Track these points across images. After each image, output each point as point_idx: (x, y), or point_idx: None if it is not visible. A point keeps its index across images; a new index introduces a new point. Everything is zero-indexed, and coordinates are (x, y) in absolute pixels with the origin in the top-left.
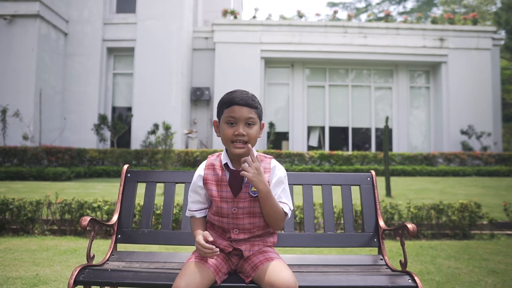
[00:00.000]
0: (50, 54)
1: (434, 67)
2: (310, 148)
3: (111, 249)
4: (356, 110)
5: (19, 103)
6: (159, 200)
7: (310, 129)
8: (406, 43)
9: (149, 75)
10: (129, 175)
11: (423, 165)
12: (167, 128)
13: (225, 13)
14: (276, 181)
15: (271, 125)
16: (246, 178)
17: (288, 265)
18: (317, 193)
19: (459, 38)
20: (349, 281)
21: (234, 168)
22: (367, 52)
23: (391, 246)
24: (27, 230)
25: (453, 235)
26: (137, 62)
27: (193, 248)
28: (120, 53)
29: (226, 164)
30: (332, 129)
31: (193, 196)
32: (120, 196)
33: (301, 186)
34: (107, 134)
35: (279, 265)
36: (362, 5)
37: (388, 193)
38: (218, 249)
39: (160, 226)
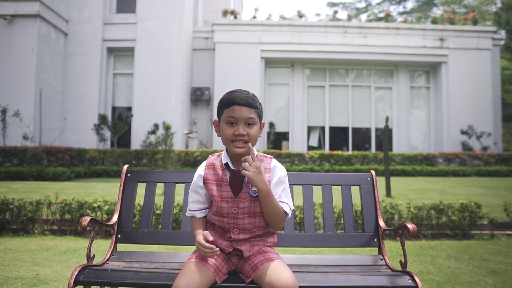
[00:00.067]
0: (50, 54)
1: (434, 67)
2: (310, 148)
3: (111, 249)
4: (356, 110)
5: (19, 103)
6: (159, 200)
7: (310, 129)
8: (406, 43)
9: (149, 75)
10: (129, 175)
11: (423, 165)
12: (167, 128)
13: (225, 13)
14: (277, 180)
15: (271, 125)
16: (247, 178)
17: (288, 265)
18: (317, 193)
19: (459, 38)
20: (349, 281)
21: (234, 168)
22: (367, 52)
23: (391, 246)
24: (27, 230)
25: (453, 235)
26: (137, 62)
27: (193, 248)
28: (120, 53)
29: (226, 164)
30: (332, 129)
31: (193, 196)
32: (120, 196)
33: (301, 186)
34: (107, 134)
35: (279, 265)
36: (362, 5)
37: (388, 193)
38: (218, 249)
39: (160, 226)
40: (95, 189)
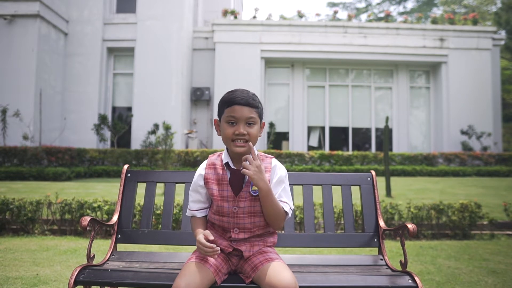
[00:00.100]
0: (50, 54)
1: (434, 67)
2: (310, 148)
3: (111, 249)
4: (356, 110)
5: (19, 103)
6: (159, 200)
7: (310, 129)
8: (406, 43)
9: (149, 75)
10: (129, 175)
11: (423, 165)
12: (167, 128)
13: (225, 13)
14: (277, 180)
15: (271, 125)
16: (247, 177)
17: (288, 265)
18: (317, 193)
19: (459, 38)
20: (349, 281)
21: (235, 167)
22: (367, 52)
23: (391, 246)
24: (27, 230)
25: (453, 235)
26: (137, 62)
27: (193, 248)
28: (120, 53)
29: (227, 163)
30: (332, 129)
31: (193, 196)
32: (120, 196)
33: (301, 186)
34: (107, 134)
35: (279, 265)
36: (362, 5)
37: (388, 193)
38: (219, 248)
39: (160, 226)
40: (95, 189)
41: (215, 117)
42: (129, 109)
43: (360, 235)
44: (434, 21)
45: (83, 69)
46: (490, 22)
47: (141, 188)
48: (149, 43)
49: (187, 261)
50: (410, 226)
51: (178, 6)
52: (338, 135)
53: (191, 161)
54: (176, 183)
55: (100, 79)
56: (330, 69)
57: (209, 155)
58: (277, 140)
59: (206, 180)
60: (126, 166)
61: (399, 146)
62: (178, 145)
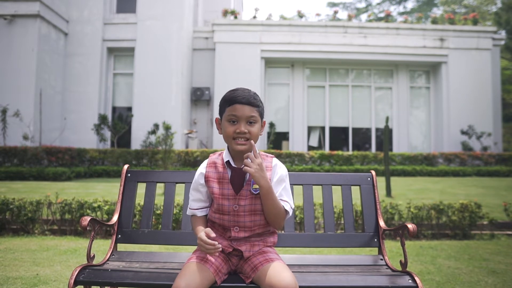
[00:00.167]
0: (50, 54)
1: (434, 67)
2: (310, 148)
3: (111, 249)
4: (356, 110)
5: (19, 103)
6: (159, 200)
7: (310, 129)
8: (406, 43)
9: (149, 75)
10: (129, 175)
11: (423, 165)
12: (167, 128)
13: (225, 13)
14: (278, 179)
15: (271, 125)
16: (248, 176)
17: (288, 265)
18: (317, 193)
19: (459, 38)
20: (349, 281)
21: (235, 166)
22: (367, 52)
23: (391, 246)
24: (27, 230)
25: (453, 235)
26: (137, 62)
27: (193, 248)
28: (120, 53)
29: (228, 161)
30: (332, 129)
31: (194, 194)
32: (120, 196)
33: (301, 186)
34: (107, 134)
35: (279, 266)
36: (362, 5)
37: (388, 193)
38: (220, 246)
39: (160, 226)
40: (95, 189)
41: (215, 117)
42: (129, 109)
43: (360, 235)
44: (434, 21)
45: (83, 69)
46: (490, 22)
47: (141, 188)
48: (149, 43)
49: (187, 261)
50: (410, 226)
51: (178, 6)
52: (338, 135)
53: (191, 161)
54: (176, 183)
55: (100, 79)
56: (330, 69)
57: (210, 154)
58: (277, 140)
59: (207, 179)
60: (126, 166)
61: (399, 146)
62: (178, 145)
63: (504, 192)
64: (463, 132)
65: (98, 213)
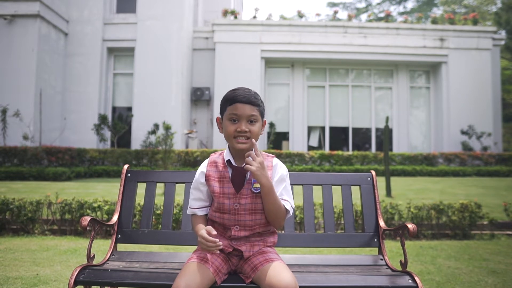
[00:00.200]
0: (50, 54)
1: (434, 67)
2: (310, 148)
3: (111, 249)
4: (356, 110)
5: (19, 103)
6: (159, 200)
7: (310, 129)
8: (406, 43)
9: (149, 75)
10: (129, 175)
11: (423, 165)
12: (167, 128)
13: (225, 13)
14: (278, 178)
15: (271, 125)
16: (249, 175)
17: (288, 265)
18: (317, 193)
19: (459, 38)
20: (349, 281)
21: (236, 165)
22: (367, 52)
23: (391, 246)
24: (27, 230)
25: (453, 235)
26: (137, 62)
27: (193, 248)
28: (120, 53)
29: (228, 160)
30: (332, 129)
31: (194, 193)
32: (120, 196)
33: (301, 186)
34: (107, 134)
35: (279, 266)
36: (362, 5)
37: (388, 193)
38: (221, 243)
39: (160, 226)
40: (95, 189)
41: (215, 117)
42: (129, 109)
43: (360, 235)
44: (434, 21)
45: (83, 69)
46: (490, 22)
47: (141, 188)
48: (149, 43)
49: (187, 261)
50: (410, 226)
51: (178, 6)
52: (338, 135)
53: (191, 161)
54: (176, 183)
55: (100, 79)
56: (330, 69)
57: (211, 154)
58: (277, 140)
59: (207, 177)
60: (126, 166)
61: (399, 146)
62: (178, 145)
63: (504, 192)
64: (463, 132)
65: (98, 213)
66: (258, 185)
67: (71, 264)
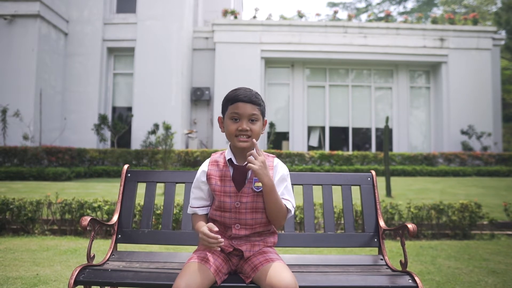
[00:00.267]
0: (50, 54)
1: (434, 67)
2: (310, 148)
3: (111, 249)
4: (356, 110)
5: (19, 103)
6: (159, 200)
7: (310, 129)
8: (406, 43)
9: (149, 75)
10: (129, 175)
11: (423, 165)
12: (167, 128)
13: (225, 13)
14: (279, 178)
15: (271, 125)
16: (250, 174)
17: (288, 265)
18: (317, 193)
19: (459, 38)
20: (349, 281)
21: (237, 164)
22: (367, 52)
23: (391, 246)
24: (27, 230)
25: (453, 235)
26: (137, 62)
27: (193, 248)
28: (120, 53)
29: (230, 159)
30: (332, 129)
31: (195, 192)
32: (120, 196)
33: (301, 186)
34: (107, 134)
35: (279, 266)
36: (362, 5)
37: (388, 193)
38: (222, 240)
39: (160, 226)
40: (95, 189)
41: (215, 117)
42: (129, 109)
43: (360, 235)
44: (434, 21)
45: (83, 69)
46: (490, 22)
47: (141, 188)
48: (149, 43)
49: (187, 261)
50: (410, 226)
51: (178, 6)
52: (338, 135)
53: (191, 161)
54: (176, 183)
55: (100, 79)
56: (330, 69)
57: (212, 154)
58: (277, 140)
59: (208, 176)
60: (126, 166)
61: (399, 146)
62: (178, 145)
63: (504, 192)
64: (463, 132)
65: (98, 213)
66: (259, 184)
67: (71, 264)
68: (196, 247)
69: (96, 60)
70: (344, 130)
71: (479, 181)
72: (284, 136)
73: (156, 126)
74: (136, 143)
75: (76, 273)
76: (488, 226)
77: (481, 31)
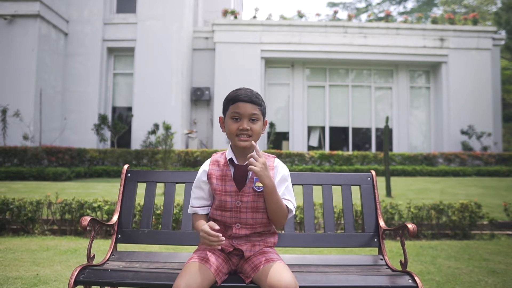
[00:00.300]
0: (50, 54)
1: (434, 67)
2: (310, 148)
3: (111, 249)
4: (356, 110)
5: (19, 103)
6: (159, 200)
7: (310, 129)
8: (406, 43)
9: (149, 75)
10: (129, 175)
11: (423, 165)
12: (167, 128)
13: (225, 13)
14: (280, 178)
15: (271, 125)
16: (251, 174)
17: (288, 265)
18: (317, 193)
19: (459, 38)
20: (349, 281)
21: (238, 163)
22: (367, 52)
23: (391, 246)
24: (27, 230)
25: (453, 235)
26: (137, 62)
27: (193, 248)
28: (120, 53)
29: (231, 159)
30: (332, 129)
31: (196, 192)
32: (120, 196)
33: (301, 186)
34: (107, 134)
35: (280, 266)
36: (362, 5)
37: (388, 193)
38: (224, 238)
39: (160, 226)
40: (95, 189)
41: (215, 117)
42: (129, 109)
43: (360, 235)
44: (434, 21)
45: (83, 69)
46: (490, 22)
47: (141, 188)
48: (149, 43)
49: (187, 261)
50: (410, 226)
51: (178, 6)
52: (338, 135)
53: (191, 161)
54: (176, 183)
55: (100, 79)
56: (330, 69)
57: (213, 154)
58: (277, 140)
59: (209, 176)
60: (126, 166)
61: (399, 146)
62: (178, 145)
63: (504, 192)
64: (463, 132)
65: (98, 213)
66: (260, 184)
67: (71, 264)
68: (196, 247)
69: (96, 60)
70: (344, 130)
71: (479, 181)
72: (284, 136)
73: (156, 126)
74: (136, 143)
75: (76, 273)
76: (488, 226)
77: (481, 31)
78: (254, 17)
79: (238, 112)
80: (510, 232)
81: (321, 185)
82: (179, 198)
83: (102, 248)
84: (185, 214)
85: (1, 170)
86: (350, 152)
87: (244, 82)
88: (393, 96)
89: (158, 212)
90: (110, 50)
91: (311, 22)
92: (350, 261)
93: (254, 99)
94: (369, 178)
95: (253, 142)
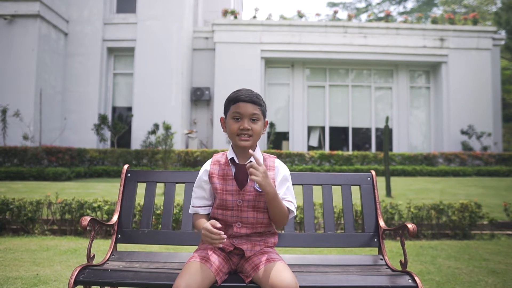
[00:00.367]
0: (50, 54)
1: (434, 67)
2: (310, 148)
3: (111, 249)
4: (356, 110)
5: (19, 103)
6: (159, 200)
7: (310, 129)
8: (406, 43)
9: (149, 75)
10: (129, 175)
11: (423, 165)
12: (167, 128)
13: (225, 13)
14: (281, 179)
15: (271, 125)
16: None
17: (288, 265)
18: (317, 193)
19: (459, 38)
20: (349, 281)
21: (239, 163)
22: (367, 52)
23: (391, 246)
24: (27, 230)
25: (453, 235)
26: (137, 62)
27: (193, 248)
28: (120, 53)
29: (232, 158)
30: (332, 129)
31: (197, 192)
32: (120, 196)
33: (301, 186)
34: (107, 134)
35: (280, 266)
36: (362, 5)
37: (388, 193)
38: (225, 236)
39: (160, 226)
40: (95, 189)
41: (215, 117)
42: (129, 109)
43: (360, 235)
44: (434, 21)
45: (83, 69)
46: (490, 22)
47: (141, 188)
48: (149, 43)
49: (188, 260)
50: (410, 226)
51: (178, 6)
52: (338, 135)
53: (191, 161)
54: (176, 183)
55: (100, 79)
56: (330, 69)
57: (214, 154)
58: (277, 140)
59: (211, 175)
60: (126, 166)
61: (399, 146)
62: (178, 145)
63: (504, 192)
64: (463, 132)
65: (98, 213)
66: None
67: (71, 264)
68: (196, 247)
69: (96, 60)
70: (344, 130)
71: (479, 181)
72: (284, 136)
73: (156, 126)
74: (136, 143)
75: (76, 273)
76: (488, 226)
77: (481, 31)
78: (254, 17)
79: (239, 112)
80: (510, 232)
81: (321, 185)
82: (179, 198)
83: (102, 248)
84: (185, 214)
85: (1, 170)
86: (350, 152)
87: (244, 82)
88: (393, 96)
89: (158, 212)
90: (110, 50)
91: (311, 22)
92: (350, 261)
93: (254, 99)
94: (369, 178)
95: (251, 151)
